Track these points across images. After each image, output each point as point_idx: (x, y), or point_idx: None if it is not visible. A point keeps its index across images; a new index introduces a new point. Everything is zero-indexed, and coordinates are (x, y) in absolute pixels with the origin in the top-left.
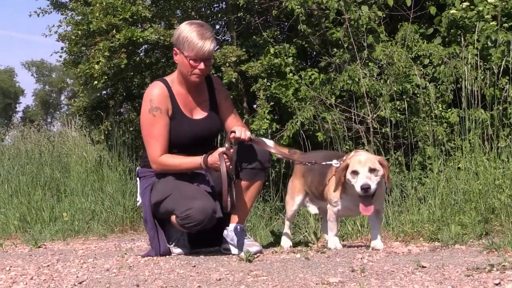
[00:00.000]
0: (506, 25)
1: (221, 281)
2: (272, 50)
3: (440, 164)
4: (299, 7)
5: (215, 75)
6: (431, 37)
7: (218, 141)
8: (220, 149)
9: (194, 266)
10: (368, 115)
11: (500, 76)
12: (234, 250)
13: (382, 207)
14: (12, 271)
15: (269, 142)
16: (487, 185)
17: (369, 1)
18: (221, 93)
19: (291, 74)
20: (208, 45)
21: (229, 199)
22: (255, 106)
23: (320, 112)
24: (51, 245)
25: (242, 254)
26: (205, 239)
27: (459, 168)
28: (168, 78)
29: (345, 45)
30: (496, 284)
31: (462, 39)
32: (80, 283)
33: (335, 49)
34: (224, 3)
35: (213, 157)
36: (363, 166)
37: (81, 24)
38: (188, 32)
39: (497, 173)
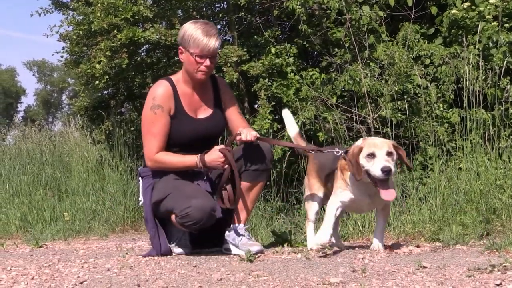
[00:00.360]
0: (507, 25)
1: (222, 281)
2: (273, 50)
3: (441, 164)
4: (300, 7)
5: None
6: (432, 37)
7: (219, 141)
8: (218, 147)
9: (195, 266)
10: (369, 115)
11: (501, 76)
12: (235, 250)
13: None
14: (13, 271)
15: (294, 129)
16: (488, 186)
17: (370, 1)
18: (226, 93)
19: (292, 74)
20: (213, 42)
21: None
22: (256, 106)
23: (321, 112)
24: (52, 245)
25: (243, 254)
26: (206, 239)
27: (460, 168)
28: (173, 77)
29: (346, 45)
30: (497, 285)
31: (464, 39)
32: (81, 283)
33: (336, 49)
34: (225, 3)
35: (211, 155)
36: (380, 149)
37: (83, 24)
38: (193, 29)
39: (498, 173)
